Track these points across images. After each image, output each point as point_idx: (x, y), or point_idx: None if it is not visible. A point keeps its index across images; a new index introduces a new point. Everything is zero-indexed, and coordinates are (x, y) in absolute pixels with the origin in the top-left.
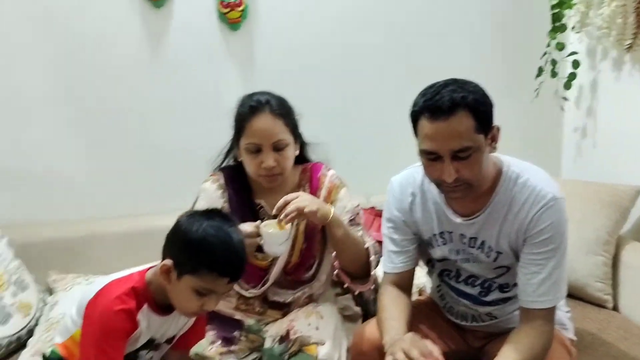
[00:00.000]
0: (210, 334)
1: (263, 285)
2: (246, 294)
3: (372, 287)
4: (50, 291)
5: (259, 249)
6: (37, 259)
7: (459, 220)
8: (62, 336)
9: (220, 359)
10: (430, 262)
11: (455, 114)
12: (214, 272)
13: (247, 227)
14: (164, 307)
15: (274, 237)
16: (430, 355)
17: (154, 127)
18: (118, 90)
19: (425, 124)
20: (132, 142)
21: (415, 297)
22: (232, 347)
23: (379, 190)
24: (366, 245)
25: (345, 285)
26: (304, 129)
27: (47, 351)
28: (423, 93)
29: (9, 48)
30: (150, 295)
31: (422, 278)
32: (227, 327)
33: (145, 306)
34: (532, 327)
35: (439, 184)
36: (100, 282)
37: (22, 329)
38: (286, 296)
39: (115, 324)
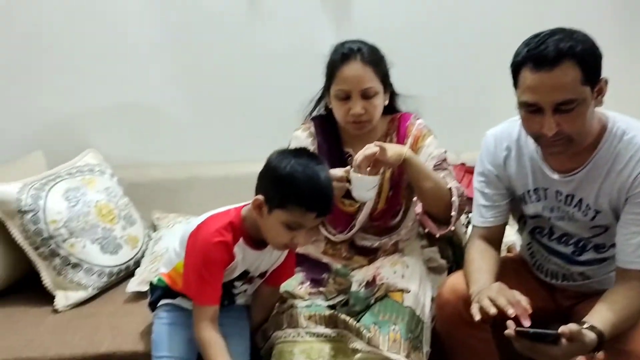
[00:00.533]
0: (299, 275)
1: (350, 231)
2: (334, 238)
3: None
4: (154, 228)
5: (347, 194)
6: (143, 198)
7: (555, 176)
8: (166, 267)
9: (309, 298)
10: (522, 219)
11: (560, 64)
12: (301, 206)
13: (337, 171)
14: (257, 242)
15: (362, 182)
16: (517, 304)
17: (251, 76)
18: (220, 39)
19: (527, 74)
20: (231, 91)
21: (504, 254)
22: (321, 289)
23: (470, 147)
24: (449, 186)
25: (427, 230)
26: (396, 81)
27: (154, 279)
28: (527, 42)
29: (123, 4)
30: (246, 230)
31: (512, 236)
32: (316, 270)
33: (240, 240)
34: (628, 288)
35: (538, 137)
36: (200, 217)
37: (130, 260)
38: (372, 241)
39: (214, 255)
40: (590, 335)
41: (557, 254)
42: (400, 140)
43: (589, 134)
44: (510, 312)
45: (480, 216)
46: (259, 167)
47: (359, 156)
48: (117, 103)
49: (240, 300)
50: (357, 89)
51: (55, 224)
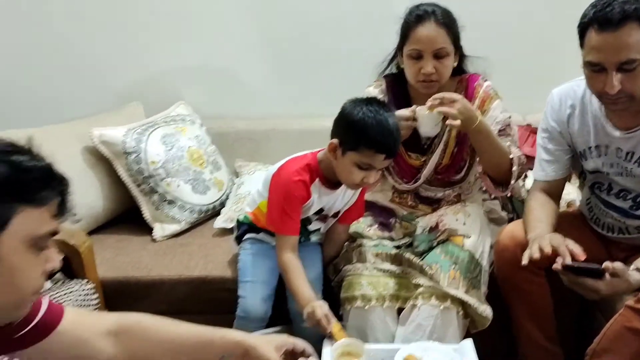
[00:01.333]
0: (369, 219)
1: (415, 182)
2: (400, 187)
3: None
4: (236, 174)
5: (413, 149)
6: (227, 147)
7: (617, 133)
8: (250, 207)
9: (377, 239)
10: (582, 174)
11: (624, 25)
12: (371, 148)
13: (404, 111)
14: (331, 183)
15: (427, 118)
16: (565, 253)
17: (328, 34)
18: (299, 2)
19: (592, 35)
20: (308, 51)
21: (563, 209)
22: (388, 231)
23: (536, 109)
24: (511, 156)
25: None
26: (465, 43)
27: (240, 217)
28: (594, 4)
29: None
30: (321, 172)
31: (573, 193)
32: (384, 215)
33: (317, 180)
34: None
35: (601, 96)
36: (281, 161)
37: (216, 200)
38: (436, 192)
39: (294, 191)
40: (636, 276)
41: (615, 208)
42: (468, 99)
43: None
44: (562, 249)
45: (542, 170)
46: (332, 121)
47: (439, 95)
48: (206, 61)
49: (314, 238)
50: (429, 49)
51: (154, 164)
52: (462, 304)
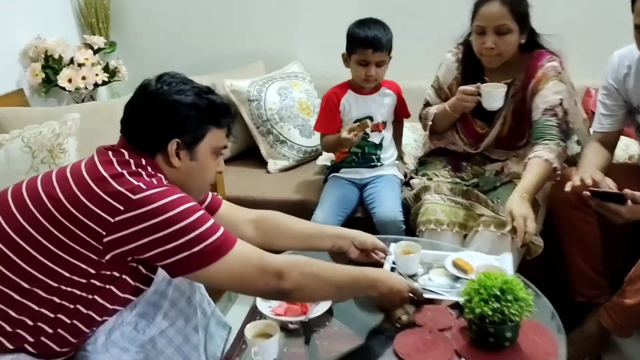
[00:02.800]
0: (444, 162)
1: (478, 148)
2: (465, 148)
3: None
4: None
5: (478, 116)
6: None
7: None
8: None
9: (451, 177)
10: (638, 129)
11: None
12: (360, 46)
13: (468, 87)
14: (360, 89)
15: (491, 95)
16: (602, 181)
17: (426, 5)
18: None
19: None
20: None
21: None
22: (459, 173)
23: None
24: (554, 165)
25: None
26: (541, 16)
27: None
28: None
29: None
30: (352, 85)
31: (634, 148)
32: (457, 159)
33: (349, 91)
34: None
35: None
36: None
37: (319, 144)
38: (500, 155)
39: (327, 97)
40: None
41: None
42: (527, 78)
43: None
44: (588, 182)
45: (599, 123)
46: (417, 82)
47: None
48: (319, 25)
49: (385, 154)
50: (490, 25)
51: (271, 111)
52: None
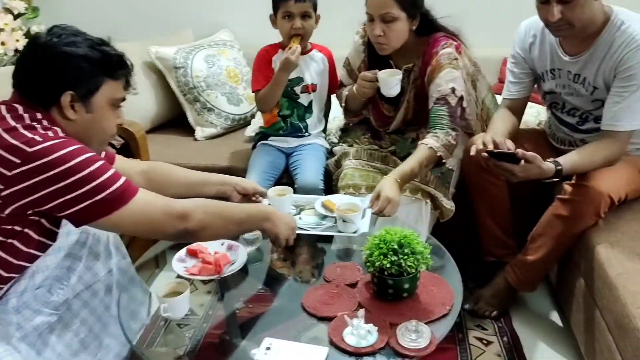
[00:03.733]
0: (364, 128)
1: (387, 130)
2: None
3: None
4: None
5: (385, 99)
6: None
7: (567, 58)
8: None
9: (370, 144)
10: (544, 96)
11: None
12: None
13: (367, 74)
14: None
15: (386, 81)
16: (502, 143)
17: None
18: None
19: None
20: None
21: (534, 126)
22: (379, 140)
23: None
24: (438, 154)
25: None
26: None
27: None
28: None
29: None
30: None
31: (544, 115)
32: (376, 128)
33: (279, 50)
34: (600, 142)
35: (547, 24)
36: None
37: (247, 112)
38: (410, 132)
39: (260, 54)
40: (549, 164)
41: (566, 124)
42: (424, 66)
43: (592, 23)
44: (490, 147)
45: (508, 90)
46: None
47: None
48: None
49: (309, 119)
50: (376, 13)
51: (198, 78)
52: (431, 197)
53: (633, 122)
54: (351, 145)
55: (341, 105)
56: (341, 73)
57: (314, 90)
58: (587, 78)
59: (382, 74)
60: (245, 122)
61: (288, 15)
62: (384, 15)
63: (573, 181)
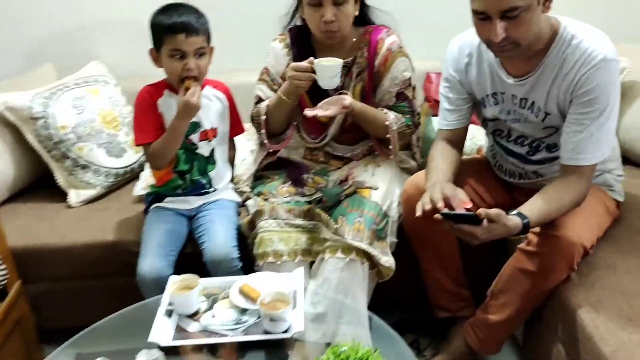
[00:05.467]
0: (282, 176)
1: (322, 140)
2: (309, 144)
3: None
4: None
5: (319, 92)
6: None
7: (511, 80)
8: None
9: (289, 195)
10: (484, 122)
11: None
12: (168, 33)
13: (301, 63)
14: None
15: (325, 70)
16: (454, 197)
17: None
18: None
19: None
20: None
21: (473, 155)
22: (300, 189)
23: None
24: (387, 123)
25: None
26: None
27: (147, 190)
28: None
29: None
30: (169, 84)
31: (483, 139)
32: (297, 171)
33: (165, 90)
34: (565, 181)
35: (488, 44)
36: None
37: (134, 163)
38: (345, 152)
39: (141, 95)
40: (515, 220)
41: (514, 154)
42: (371, 56)
43: (539, 39)
44: (440, 205)
45: (444, 119)
46: (247, 76)
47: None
48: (119, 16)
49: (213, 171)
50: None
51: (64, 129)
52: (367, 255)
53: (597, 153)
54: (266, 199)
55: (260, 126)
56: (259, 87)
57: (214, 136)
58: (537, 103)
59: (321, 61)
60: (132, 175)
61: (177, 54)
62: None
63: (537, 229)
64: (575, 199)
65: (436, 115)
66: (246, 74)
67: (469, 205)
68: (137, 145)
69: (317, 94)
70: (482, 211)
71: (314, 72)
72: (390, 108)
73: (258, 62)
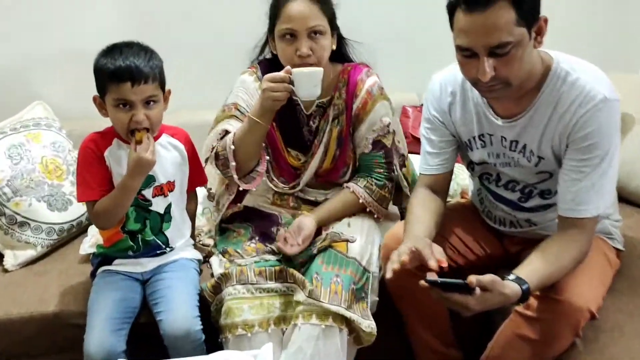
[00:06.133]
0: (249, 230)
1: (294, 187)
2: (280, 190)
3: None
4: None
5: (291, 145)
6: None
7: (500, 122)
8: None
9: (257, 254)
10: (470, 165)
11: (493, 5)
12: (113, 81)
13: (277, 74)
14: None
15: (305, 78)
16: (428, 257)
17: (194, 24)
18: None
19: (460, 16)
20: (178, 39)
21: (457, 199)
22: (269, 245)
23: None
24: (360, 201)
25: None
26: (350, 22)
27: (94, 250)
28: None
29: None
30: (117, 134)
31: (466, 180)
32: (266, 223)
33: (114, 140)
34: (565, 237)
35: (475, 83)
36: None
37: (81, 215)
38: (318, 196)
39: (84, 148)
40: (513, 287)
41: (504, 200)
42: (349, 97)
43: (530, 77)
44: (404, 258)
45: (426, 164)
46: (205, 115)
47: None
48: (64, 51)
49: (169, 230)
50: (303, 28)
51: None
52: (346, 320)
53: (599, 203)
54: (232, 260)
55: (226, 162)
56: (228, 122)
57: (171, 190)
58: (529, 146)
59: (299, 69)
60: (79, 230)
61: (123, 103)
62: (312, 29)
63: (537, 292)
64: (578, 257)
65: (413, 153)
66: (205, 112)
67: (444, 264)
68: (79, 202)
69: (292, 137)
70: (472, 278)
71: (291, 83)
72: (365, 156)
73: (219, 98)
